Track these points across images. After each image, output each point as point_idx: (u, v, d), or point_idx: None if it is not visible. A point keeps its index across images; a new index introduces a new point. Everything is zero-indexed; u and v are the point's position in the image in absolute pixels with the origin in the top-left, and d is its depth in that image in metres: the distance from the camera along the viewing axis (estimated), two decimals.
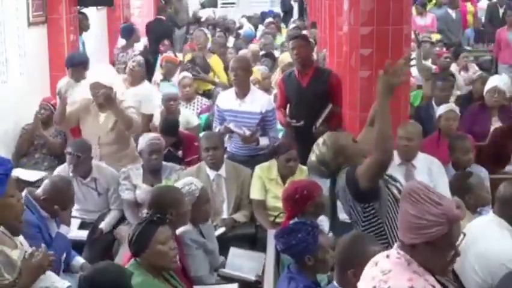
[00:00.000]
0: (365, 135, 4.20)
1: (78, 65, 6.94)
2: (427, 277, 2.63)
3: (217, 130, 5.96)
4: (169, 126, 6.28)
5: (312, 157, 3.96)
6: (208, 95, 8.48)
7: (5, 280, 3.13)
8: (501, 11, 13.95)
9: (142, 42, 11.09)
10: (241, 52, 9.93)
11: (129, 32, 10.12)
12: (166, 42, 11.12)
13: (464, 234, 2.72)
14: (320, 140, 3.98)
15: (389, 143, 3.55)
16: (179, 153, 6.26)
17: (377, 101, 3.46)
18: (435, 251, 2.60)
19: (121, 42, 10.45)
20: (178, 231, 4.32)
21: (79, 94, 6.34)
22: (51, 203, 4.52)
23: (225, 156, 5.84)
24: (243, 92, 5.92)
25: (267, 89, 8.07)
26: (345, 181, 3.80)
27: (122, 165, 5.86)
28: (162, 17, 13.00)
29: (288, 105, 6.30)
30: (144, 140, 5.55)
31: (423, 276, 2.62)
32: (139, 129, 6.16)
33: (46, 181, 4.69)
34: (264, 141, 5.85)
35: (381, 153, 3.53)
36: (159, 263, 3.60)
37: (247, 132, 5.77)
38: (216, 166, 5.51)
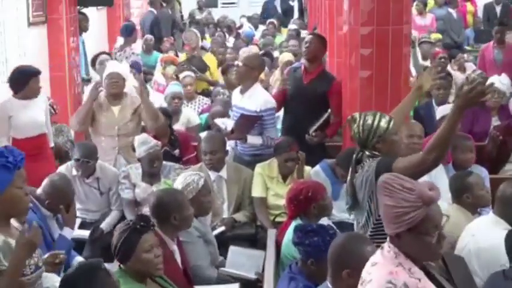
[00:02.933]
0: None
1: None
2: (414, 270, 2.69)
3: None
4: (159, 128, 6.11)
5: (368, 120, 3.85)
6: (207, 94, 8.48)
7: (3, 266, 3.13)
8: (498, 9, 13.92)
9: (139, 42, 11.08)
10: (243, 50, 9.93)
11: (130, 31, 10.09)
12: (171, 39, 11.09)
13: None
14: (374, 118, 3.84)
15: (447, 149, 3.59)
16: (176, 152, 6.23)
17: (453, 112, 3.38)
18: (419, 236, 2.69)
19: (120, 41, 10.45)
20: None
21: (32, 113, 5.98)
22: (55, 203, 4.56)
23: (232, 155, 5.87)
24: (244, 88, 5.94)
25: (266, 88, 8.07)
26: (374, 170, 3.68)
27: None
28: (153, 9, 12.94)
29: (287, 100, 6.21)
30: (142, 148, 5.46)
31: (408, 269, 2.69)
32: (164, 124, 6.13)
33: (45, 181, 4.69)
34: (254, 139, 5.80)
35: (437, 156, 3.49)
36: (144, 271, 3.56)
37: (229, 128, 5.76)
38: (215, 169, 5.50)
